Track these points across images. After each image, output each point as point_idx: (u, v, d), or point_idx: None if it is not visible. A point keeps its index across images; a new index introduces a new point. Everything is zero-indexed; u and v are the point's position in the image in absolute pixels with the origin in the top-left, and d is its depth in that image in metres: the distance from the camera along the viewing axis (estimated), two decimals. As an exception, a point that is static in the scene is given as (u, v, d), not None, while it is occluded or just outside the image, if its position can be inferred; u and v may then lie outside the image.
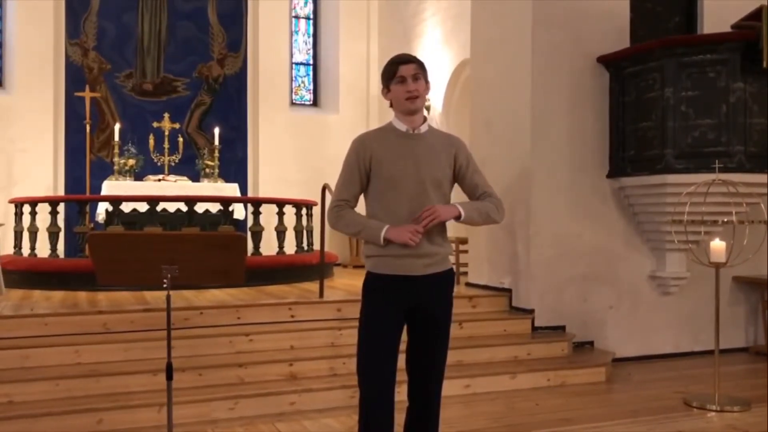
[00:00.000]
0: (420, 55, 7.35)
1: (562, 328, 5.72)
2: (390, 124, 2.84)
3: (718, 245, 4.64)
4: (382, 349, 2.73)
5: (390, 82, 2.76)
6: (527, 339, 5.46)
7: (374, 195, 2.79)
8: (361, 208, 2.84)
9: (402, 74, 2.72)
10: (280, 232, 7.45)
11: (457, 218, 2.75)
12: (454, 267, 3.15)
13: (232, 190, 8.70)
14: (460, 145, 2.90)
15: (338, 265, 9.00)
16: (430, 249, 2.74)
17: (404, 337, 2.83)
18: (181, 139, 9.11)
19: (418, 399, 2.86)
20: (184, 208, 7.00)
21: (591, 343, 5.82)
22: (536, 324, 5.65)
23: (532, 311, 5.67)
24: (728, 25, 5.35)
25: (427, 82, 2.79)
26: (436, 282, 2.80)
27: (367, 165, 2.75)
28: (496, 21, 6.17)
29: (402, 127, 2.79)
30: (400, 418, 2.86)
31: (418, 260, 2.72)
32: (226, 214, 7.25)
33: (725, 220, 4.78)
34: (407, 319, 2.80)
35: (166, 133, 8.89)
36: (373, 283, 2.79)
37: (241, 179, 9.72)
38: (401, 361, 2.81)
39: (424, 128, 2.81)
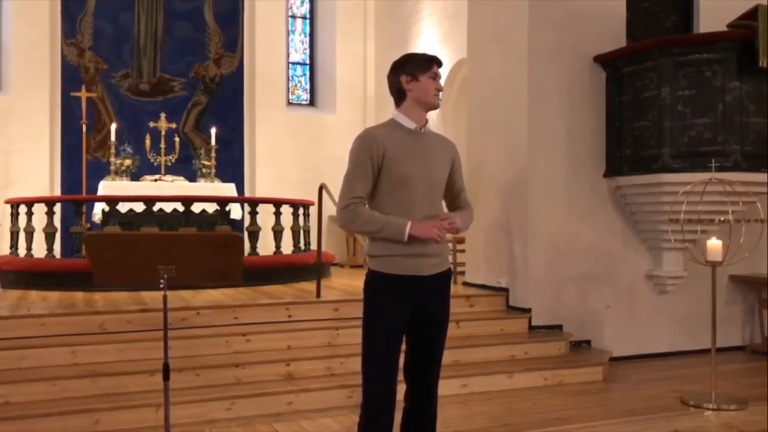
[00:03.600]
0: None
1: (560, 327, 5.73)
2: (394, 121, 2.79)
3: (714, 244, 4.64)
4: (390, 350, 2.71)
5: (422, 74, 2.75)
6: (524, 338, 5.46)
7: (382, 194, 2.71)
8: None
9: (436, 72, 2.78)
10: (277, 232, 7.44)
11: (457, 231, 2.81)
12: (452, 266, 3.16)
13: (228, 190, 8.68)
14: (455, 149, 2.94)
15: (335, 265, 8.98)
16: (437, 248, 2.76)
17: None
18: (177, 139, 9.09)
19: (418, 398, 2.85)
20: (180, 208, 6.99)
21: (588, 342, 5.82)
22: (533, 323, 5.65)
23: (529, 311, 5.67)
24: (724, 24, 5.35)
25: None
26: (440, 282, 2.81)
27: (380, 161, 2.67)
28: (492, 21, 6.17)
29: (410, 124, 2.76)
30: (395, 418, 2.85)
31: (427, 260, 2.72)
32: (223, 214, 7.24)
33: (722, 219, 4.78)
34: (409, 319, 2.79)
35: (163, 133, 8.86)
36: (379, 284, 2.73)
37: (238, 179, 9.70)
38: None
39: (426, 128, 2.83)
